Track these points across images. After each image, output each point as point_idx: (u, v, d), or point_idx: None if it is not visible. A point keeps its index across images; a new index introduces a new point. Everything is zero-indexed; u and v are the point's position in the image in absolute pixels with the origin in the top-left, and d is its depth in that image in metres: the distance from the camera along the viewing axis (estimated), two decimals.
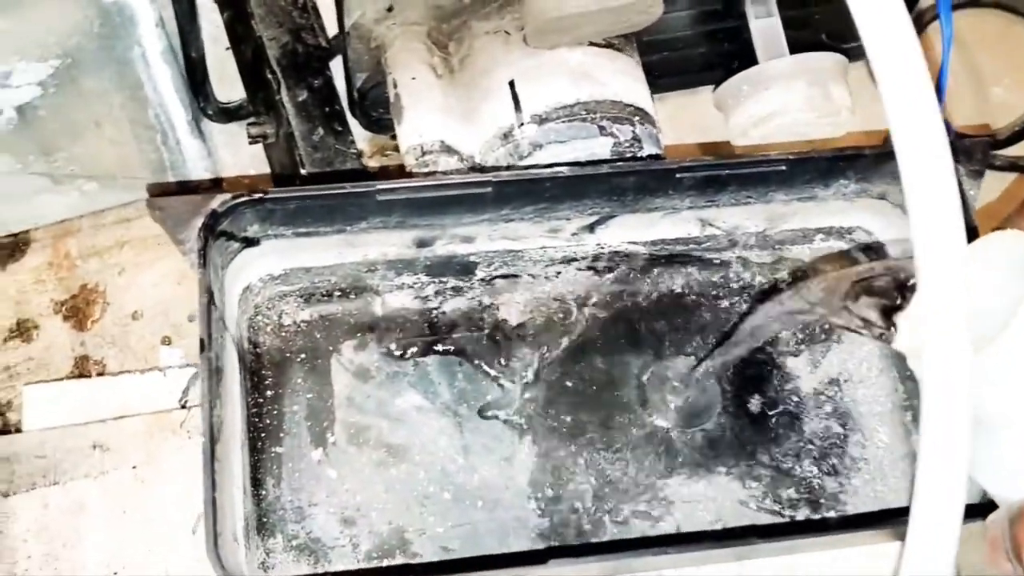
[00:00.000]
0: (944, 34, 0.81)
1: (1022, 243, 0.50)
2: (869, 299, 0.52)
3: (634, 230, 0.71)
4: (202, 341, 0.58)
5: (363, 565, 0.66)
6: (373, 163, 0.85)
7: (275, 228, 0.65)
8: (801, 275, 0.75)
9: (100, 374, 0.75)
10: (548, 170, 0.63)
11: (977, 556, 0.53)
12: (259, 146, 0.81)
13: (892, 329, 0.50)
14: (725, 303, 0.74)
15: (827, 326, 0.73)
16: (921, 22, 0.88)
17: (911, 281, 0.49)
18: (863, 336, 0.55)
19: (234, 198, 0.61)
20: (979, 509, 0.52)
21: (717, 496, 0.69)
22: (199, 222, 0.60)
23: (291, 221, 0.64)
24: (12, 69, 0.65)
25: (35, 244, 0.80)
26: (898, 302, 0.50)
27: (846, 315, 0.53)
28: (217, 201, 0.60)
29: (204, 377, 0.57)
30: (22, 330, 0.77)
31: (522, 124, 0.69)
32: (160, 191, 0.76)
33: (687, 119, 0.84)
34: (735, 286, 0.75)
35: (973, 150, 0.66)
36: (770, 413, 0.72)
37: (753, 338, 0.65)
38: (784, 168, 0.65)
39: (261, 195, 0.61)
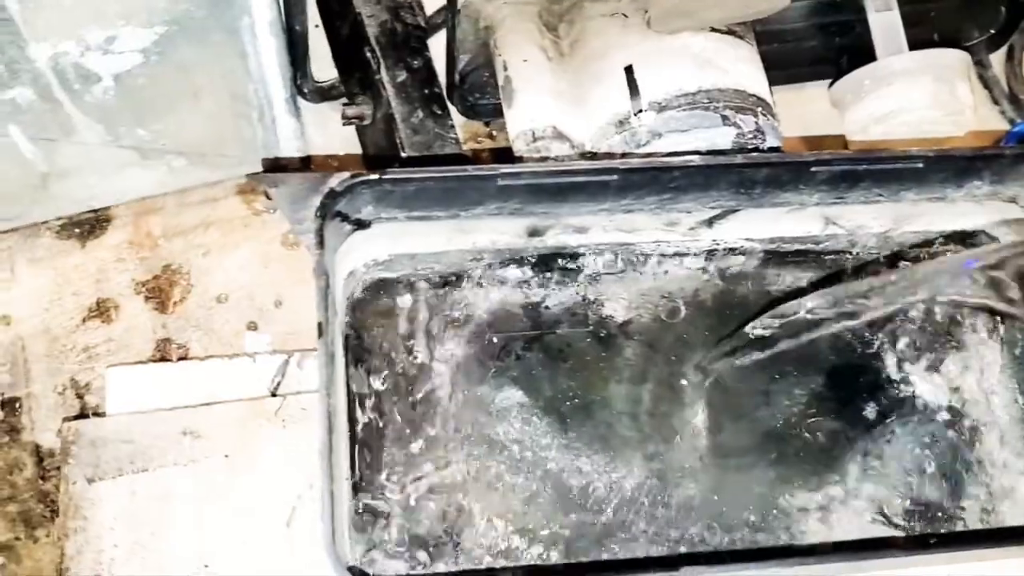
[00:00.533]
0: None
1: None
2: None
3: (754, 226, 0.68)
4: (320, 325, 0.55)
5: (465, 565, 0.63)
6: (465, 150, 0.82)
7: (389, 210, 0.62)
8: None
9: (182, 358, 0.73)
10: (679, 159, 0.60)
11: None
12: (348, 127, 0.78)
13: None
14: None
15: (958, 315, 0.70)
16: None
17: None
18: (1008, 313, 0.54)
19: (353, 176, 0.58)
20: None
21: (829, 506, 0.66)
22: (316, 201, 0.57)
23: (406, 203, 0.61)
24: (117, 34, 0.62)
25: (116, 221, 0.77)
26: None
27: (985, 292, 0.52)
28: (336, 179, 0.57)
29: (322, 363, 0.55)
30: (102, 310, 0.74)
31: (640, 111, 0.66)
32: (274, 167, 0.73)
33: (792, 115, 0.81)
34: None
35: None
36: (885, 421, 0.69)
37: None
38: (921, 165, 0.62)
39: (380, 174, 0.58)
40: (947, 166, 0.63)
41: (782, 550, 0.61)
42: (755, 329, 0.67)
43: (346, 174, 0.58)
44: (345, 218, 0.61)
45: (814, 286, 0.70)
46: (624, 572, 0.54)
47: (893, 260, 0.71)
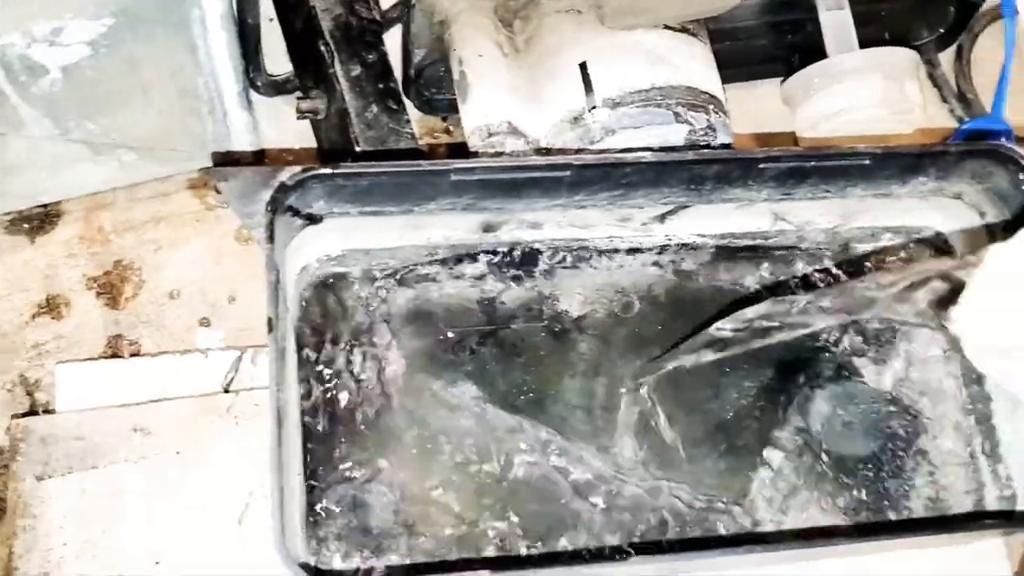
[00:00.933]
0: (1007, 35, 0.80)
1: None
2: (925, 295, 0.55)
3: (705, 221, 0.69)
4: (270, 320, 0.55)
5: (420, 559, 0.63)
6: (421, 145, 0.82)
7: (341, 205, 0.61)
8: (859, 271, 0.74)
9: (134, 354, 0.72)
10: (630, 155, 0.61)
11: None
12: (303, 121, 0.78)
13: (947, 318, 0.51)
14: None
15: (883, 321, 0.72)
16: (984, 21, 0.87)
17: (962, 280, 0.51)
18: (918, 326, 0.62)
19: (304, 171, 0.57)
20: None
21: (781, 496, 0.67)
22: (266, 195, 0.57)
23: (359, 198, 0.61)
24: (64, 26, 0.61)
25: (66, 216, 0.76)
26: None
27: (901, 308, 0.56)
28: (286, 173, 0.57)
29: (272, 358, 0.54)
30: (52, 306, 0.73)
31: (594, 108, 0.67)
32: (224, 161, 0.72)
33: (744, 112, 0.82)
34: (798, 283, 0.73)
35: None
36: (835, 412, 0.70)
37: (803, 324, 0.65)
38: (868, 162, 0.63)
39: (332, 169, 0.58)
40: (893, 163, 0.65)
41: (728, 539, 0.62)
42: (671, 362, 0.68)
43: (297, 168, 0.57)
44: (296, 213, 0.60)
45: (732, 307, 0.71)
46: (574, 562, 0.55)
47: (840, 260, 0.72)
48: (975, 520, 0.66)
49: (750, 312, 0.65)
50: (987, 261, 0.44)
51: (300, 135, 0.79)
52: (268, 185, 0.57)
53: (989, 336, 0.43)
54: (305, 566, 0.53)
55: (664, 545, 0.61)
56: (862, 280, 0.62)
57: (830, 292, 0.67)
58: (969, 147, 0.66)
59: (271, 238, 0.56)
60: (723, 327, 0.67)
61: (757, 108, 0.83)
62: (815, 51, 0.77)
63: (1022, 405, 0.60)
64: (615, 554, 0.53)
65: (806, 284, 0.72)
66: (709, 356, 0.68)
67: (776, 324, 0.63)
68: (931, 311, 0.52)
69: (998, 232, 0.69)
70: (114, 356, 0.72)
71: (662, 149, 0.65)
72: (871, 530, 0.63)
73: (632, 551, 0.53)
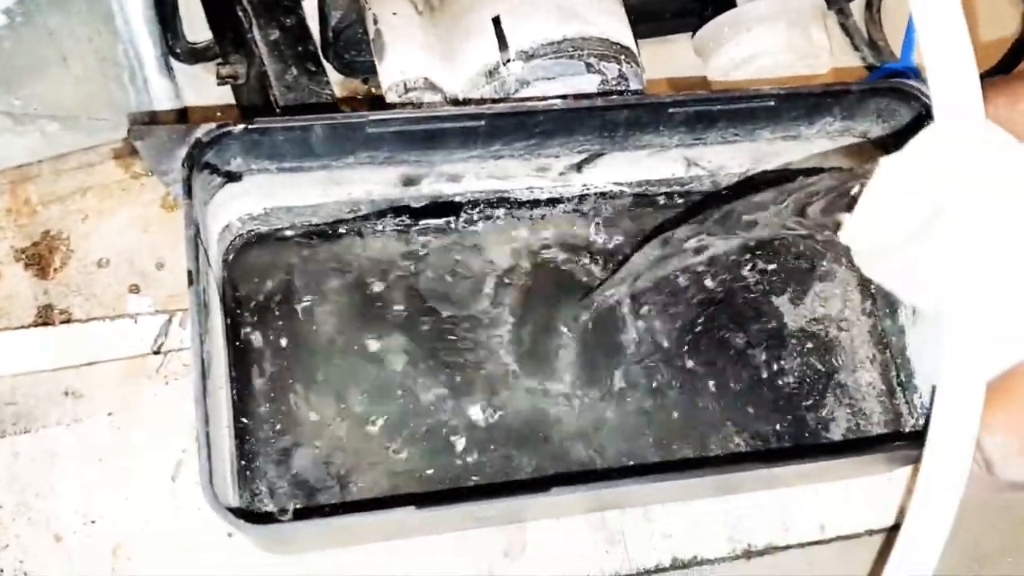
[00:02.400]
0: None
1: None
2: (818, 206, 0.57)
3: (621, 169, 0.70)
4: (190, 274, 0.56)
5: None
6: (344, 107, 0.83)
7: (259, 161, 0.62)
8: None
9: (65, 322, 0.72)
10: (541, 103, 0.62)
11: None
12: (225, 88, 0.78)
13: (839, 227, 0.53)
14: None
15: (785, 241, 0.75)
16: None
17: (854, 190, 0.53)
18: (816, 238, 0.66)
19: (219, 127, 0.58)
20: None
21: (701, 431, 0.69)
22: (183, 152, 0.58)
23: (276, 154, 0.62)
24: None
25: None
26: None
27: (797, 223, 0.60)
28: (201, 130, 0.58)
29: (193, 311, 0.55)
30: None
31: (508, 61, 0.68)
32: (145, 122, 0.73)
33: (660, 67, 0.84)
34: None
35: None
36: (752, 350, 0.72)
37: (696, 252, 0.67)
38: (772, 104, 0.65)
39: (247, 124, 0.59)
40: (798, 103, 0.66)
41: (646, 467, 0.64)
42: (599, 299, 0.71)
43: (212, 125, 0.58)
44: (215, 170, 0.61)
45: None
46: (500, 495, 0.56)
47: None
48: (886, 442, 0.69)
49: (651, 245, 0.67)
50: (877, 172, 0.47)
51: (225, 102, 0.79)
52: (184, 142, 0.58)
53: (874, 242, 0.46)
54: (236, 510, 0.54)
55: (582, 476, 0.63)
56: (741, 201, 0.64)
57: (712, 215, 0.68)
58: (872, 85, 0.68)
59: (189, 193, 0.57)
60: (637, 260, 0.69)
61: (673, 63, 0.85)
62: (728, 3, 0.79)
63: (921, 315, 0.62)
64: (537, 486, 0.55)
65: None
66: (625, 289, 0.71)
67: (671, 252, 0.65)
68: (825, 225, 0.54)
69: None
70: (45, 325, 0.72)
71: (575, 96, 0.66)
72: (784, 454, 0.66)
73: (552, 484, 0.54)
